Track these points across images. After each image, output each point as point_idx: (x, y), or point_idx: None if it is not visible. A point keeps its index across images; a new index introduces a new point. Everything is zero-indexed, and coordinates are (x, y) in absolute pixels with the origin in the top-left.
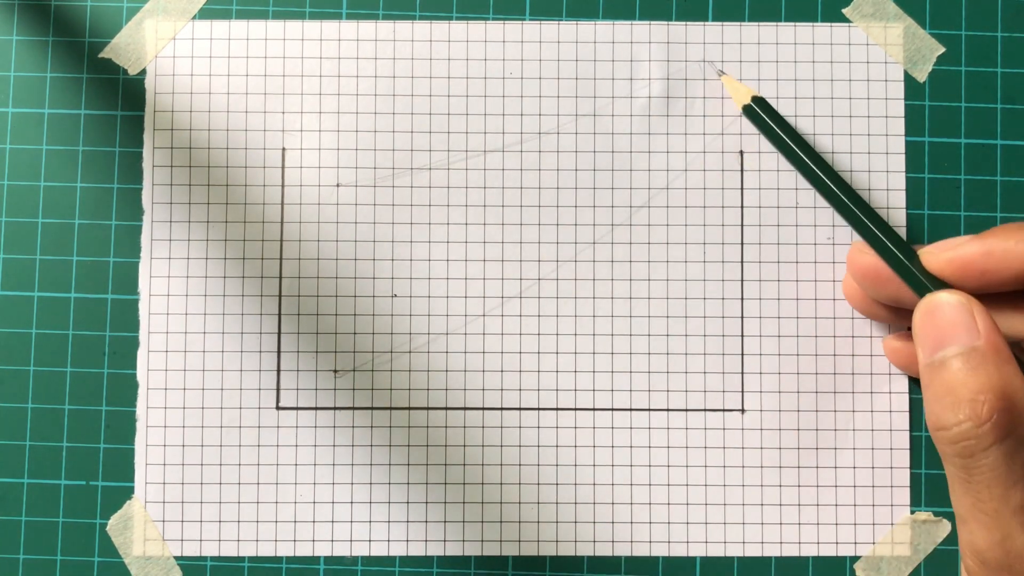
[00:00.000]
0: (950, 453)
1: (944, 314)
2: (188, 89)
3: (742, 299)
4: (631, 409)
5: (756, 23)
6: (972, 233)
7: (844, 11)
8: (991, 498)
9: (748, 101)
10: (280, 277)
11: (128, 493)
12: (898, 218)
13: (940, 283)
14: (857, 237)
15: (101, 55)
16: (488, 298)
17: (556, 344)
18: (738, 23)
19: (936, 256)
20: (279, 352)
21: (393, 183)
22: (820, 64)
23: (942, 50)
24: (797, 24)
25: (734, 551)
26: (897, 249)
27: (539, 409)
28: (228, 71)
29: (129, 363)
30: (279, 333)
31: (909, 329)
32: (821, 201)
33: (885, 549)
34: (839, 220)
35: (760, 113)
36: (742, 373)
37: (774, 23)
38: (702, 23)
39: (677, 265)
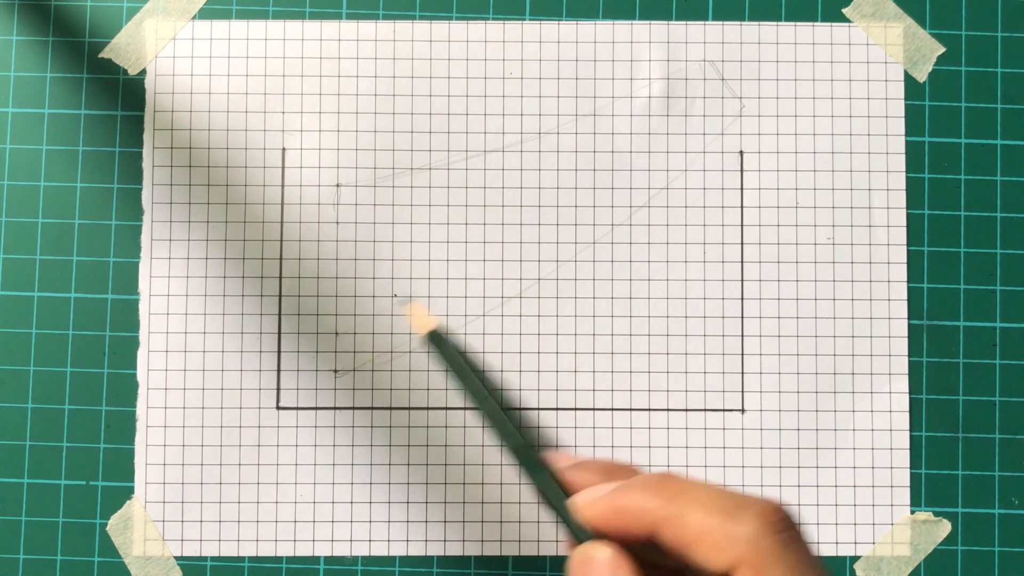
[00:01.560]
0: None
1: (592, 569)
2: (188, 89)
3: (742, 299)
4: (631, 409)
5: (756, 23)
6: (971, 233)
7: (844, 11)
8: None
9: (431, 329)
10: (280, 277)
11: (128, 493)
12: (898, 218)
13: (589, 533)
14: None
15: (101, 55)
16: (488, 298)
17: (556, 344)
18: (738, 23)
19: (581, 510)
20: (279, 352)
21: (393, 183)
22: (820, 64)
23: (942, 50)
24: (797, 24)
25: None
26: (554, 497)
27: (539, 409)
28: (228, 71)
29: (129, 363)
30: (279, 333)
31: None
32: (821, 201)
33: (885, 549)
34: (839, 220)
35: (438, 343)
36: (742, 373)
37: (774, 23)
38: (702, 23)
39: (677, 265)
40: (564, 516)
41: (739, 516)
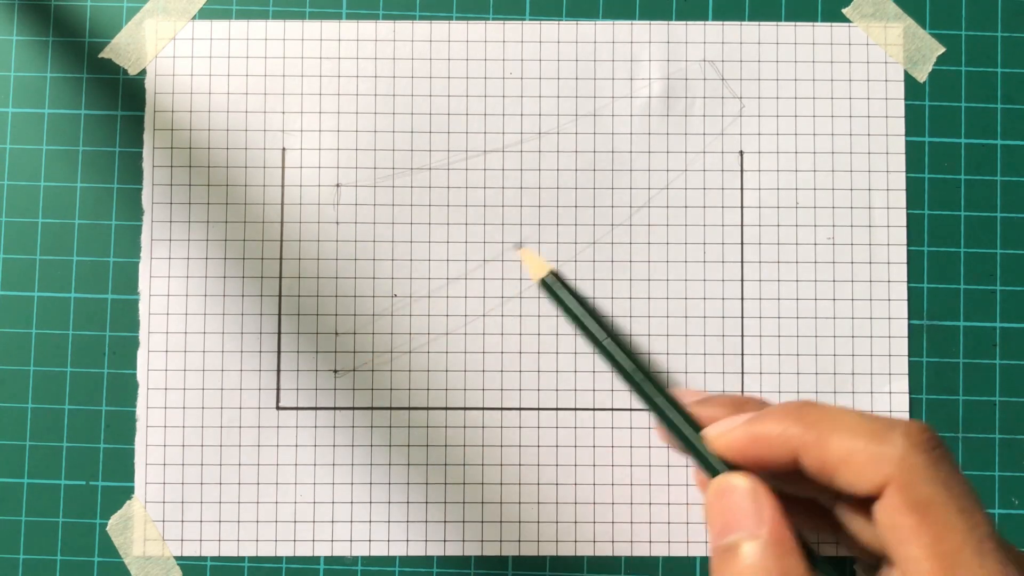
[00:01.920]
0: None
1: (731, 500)
2: (188, 89)
3: (742, 299)
4: (631, 409)
5: (756, 23)
6: (971, 233)
7: (844, 11)
8: None
9: (545, 275)
10: (280, 277)
11: (128, 493)
12: (898, 218)
13: (725, 464)
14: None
15: (101, 55)
16: (488, 298)
17: (556, 344)
18: (738, 23)
19: (715, 441)
20: (279, 352)
21: (393, 183)
22: (820, 64)
23: (942, 50)
24: (797, 24)
25: None
26: (686, 430)
27: (539, 409)
28: (228, 71)
29: (129, 363)
30: (279, 333)
31: None
32: (821, 201)
33: None
34: (839, 220)
35: (553, 288)
36: (742, 373)
37: (774, 23)
38: (702, 23)
39: (677, 265)
40: (697, 449)
41: (885, 437)
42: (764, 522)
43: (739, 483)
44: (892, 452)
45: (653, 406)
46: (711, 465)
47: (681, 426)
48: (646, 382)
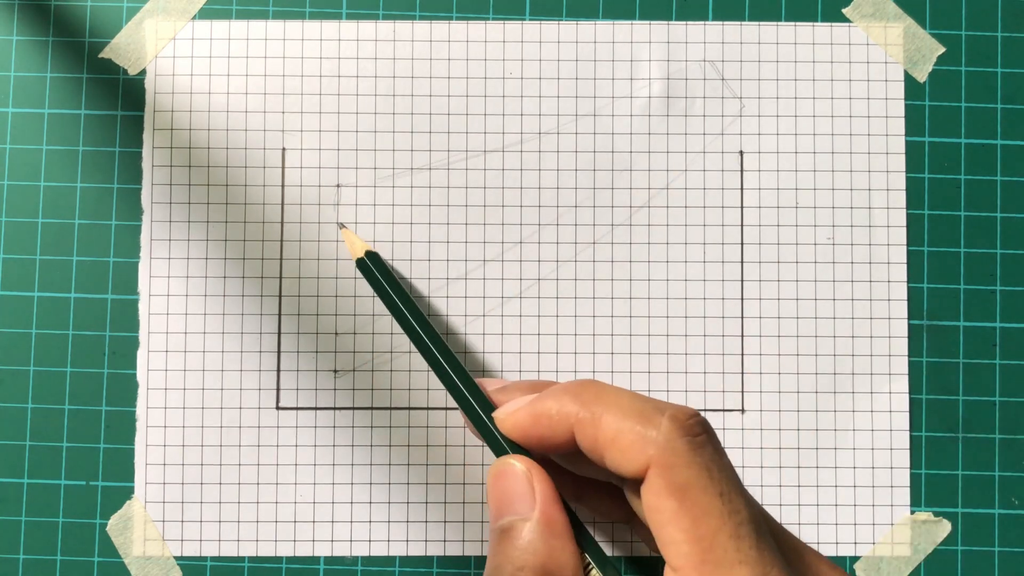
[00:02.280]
0: None
1: (507, 482)
2: (188, 89)
3: (742, 299)
4: None
5: (756, 23)
6: (971, 233)
7: (844, 11)
8: None
9: (362, 255)
10: (280, 277)
11: (128, 493)
12: (898, 218)
13: (516, 445)
14: None
15: (101, 55)
16: (488, 298)
17: (556, 344)
18: (738, 23)
19: (502, 421)
20: (279, 352)
21: (393, 183)
22: (820, 64)
23: (942, 50)
24: (797, 24)
25: None
26: (480, 412)
27: None
28: (228, 71)
29: (129, 363)
30: (279, 333)
31: None
32: (821, 201)
33: (885, 549)
34: (839, 220)
35: (371, 267)
36: (742, 373)
37: (774, 23)
38: (702, 23)
39: (677, 265)
40: (486, 431)
41: (652, 419)
42: (536, 504)
43: (515, 465)
44: (656, 435)
45: (453, 390)
46: (499, 447)
47: (473, 411)
48: (448, 367)
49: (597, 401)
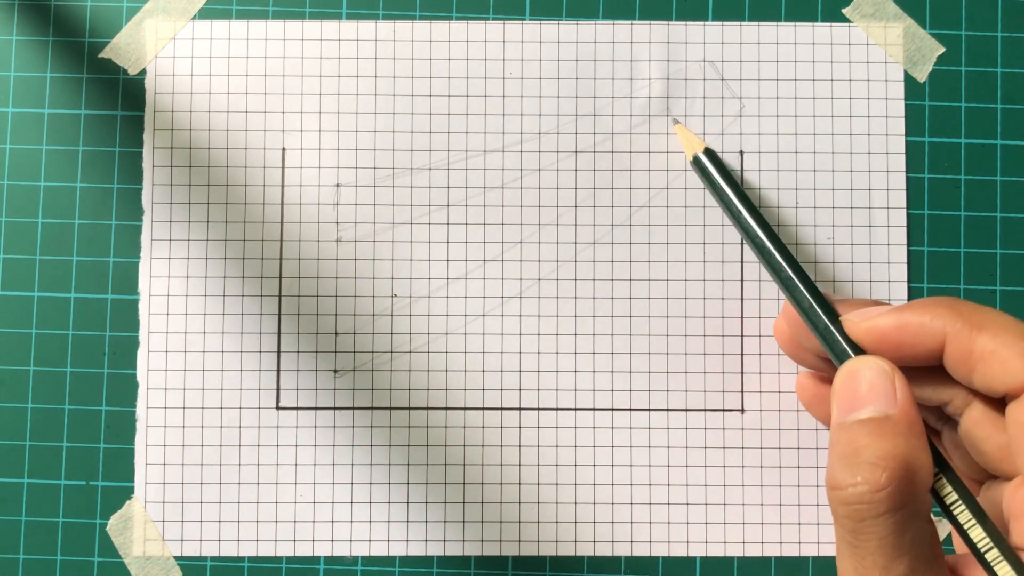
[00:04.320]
0: (841, 514)
1: (864, 378)
2: (188, 89)
3: (742, 299)
4: (631, 409)
5: (756, 23)
6: (971, 233)
7: (844, 11)
8: (873, 566)
9: (699, 152)
10: (280, 277)
11: (128, 493)
12: (898, 218)
13: (861, 351)
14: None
15: (101, 55)
16: (488, 298)
17: (556, 344)
18: (738, 23)
19: (856, 325)
20: (279, 352)
21: (393, 183)
22: (820, 64)
23: (942, 50)
24: (797, 24)
25: (734, 551)
26: (823, 313)
27: (539, 409)
28: (228, 71)
29: (129, 363)
30: (279, 333)
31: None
32: (821, 201)
33: None
34: (839, 220)
35: (708, 165)
36: (742, 373)
37: (774, 23)
38: (702, 23)
39: (677, 265)
40: (833, 333)
41: None
42: (897, 402)
43: (874, 363)
44: None
45: (791, 288)
46: (844, 349)
47: (819, 309)
48: (788, 268)
49: (975, 315)
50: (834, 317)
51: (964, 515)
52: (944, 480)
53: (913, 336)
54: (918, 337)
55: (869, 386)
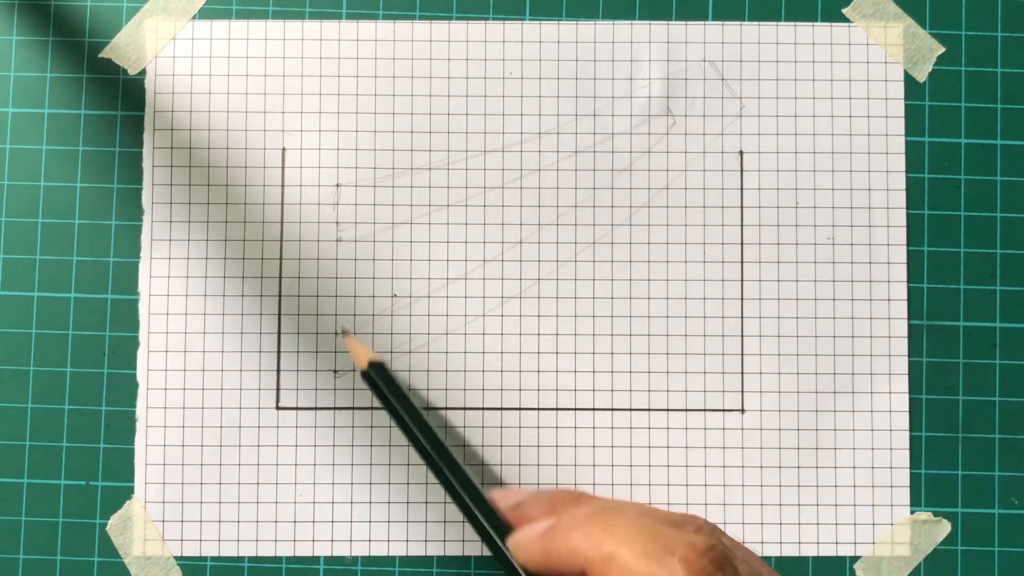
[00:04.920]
0: None
1: None
2: (188, 89)
3: (742, 299)
4: (631, 409)
5: (756, 23)
6: (971, 233)
7: (844, 11)
8: None
9: (365, 366)
10: (280, 277)
11: (128, 493)
12: (898, 218)
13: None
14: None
15: (101, 55)
16: (488, 298)
17: (556, 344)
18: (738, 23)
19: (516, 553)
20: (279, 352)
21: (393, 183)
22: (820, 64)
23: (942, 50)
24: (797, 24)
25: None
26: (495, 537)
27: (539, 409)
28: (228, 71)
29: (129, 363)
30: (279, 333)
31: None
32: (821, 201)
33: (885, 549)
34: (839, 220)
35: (375, 379)
36: (742, 373)
37: (774, 23)
38: (702, 23)
39: (677, 265)
40: (504, 560)
41: (664, 562)
42: None
43: None
44: None
45: (465, 509)
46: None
47: (490, 535)
48: (461, 489)
49: (607, 537)
50: (503, 536)
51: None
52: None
53: (561, 565)
54: (564, 566)
55: None
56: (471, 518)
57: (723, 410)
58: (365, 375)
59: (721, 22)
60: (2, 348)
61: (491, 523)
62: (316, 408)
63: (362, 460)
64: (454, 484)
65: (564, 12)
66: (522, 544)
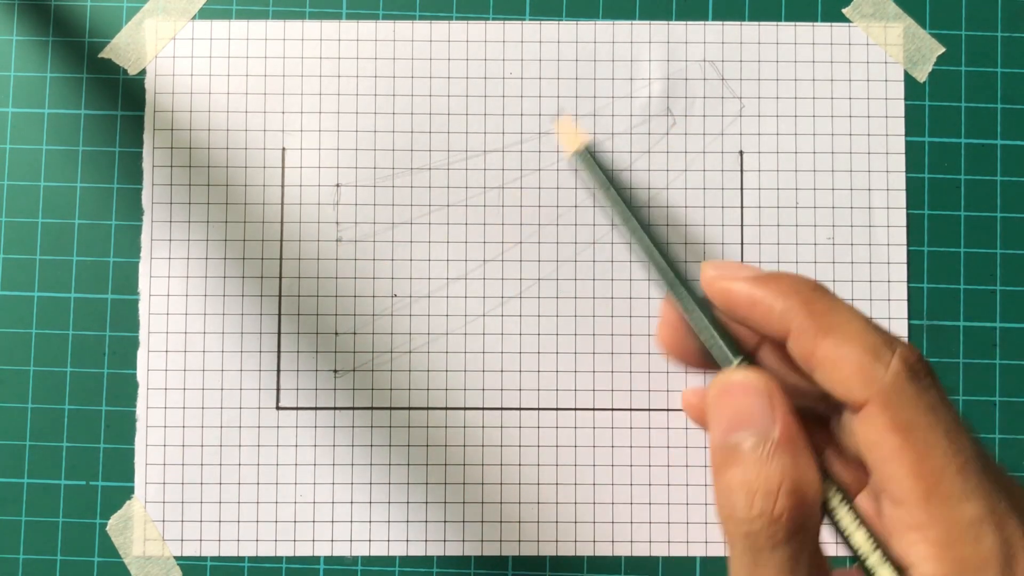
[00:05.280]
0: (739, 546)
1: (740, 396)
2: (188, 89)
3: None
4: (631, 409)
5: (756, 23)
6: (971, 233)
7: (844, 11)
8: None
9: (581, 148)
10: (280, 277)
11: (128, 493)
12: (898, 218)
13: (738, 353)
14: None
15: (101, 55)
16: (488, 298)
17: (556, 344)
18: (738, 23)
19: (711, 284)
20: (279, 352)
21: (393, 183)
22: (820, 64)
23: (942, 50)
24: (797, 24)
25: None
26: (702, 311)
27: (539, 409)
28: (228, 71)
29: (129, 363)
30: (279, 333)
31: None
32: (821, 201)
33: None
34: (839, 220)
35: (591, 158)
36: None
37: (774, 23)
38: (702, 23)
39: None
40: (707, 330)
41: (881, 355)
42: (776, 421)
43: (749, 379)
44: (883, 374)
45: (670, 284)
46: (723, 354)
47: (690, 303)
48: (664, 263)
49: (827, 314)
50: (710, 316)
51: (846, 520)
52: (831, 494)
53: (761, 316)
54: (765, 319)
55: (746, 405)
56: (678, 294)
57: None
58: (578, 156)
59: (721, 22)
60: (2, 348)
61: (691, 297)
62: (316, 408)
63: (362, 460)
64: (656, 263)
65: (564, 12)
66: (723, 275)
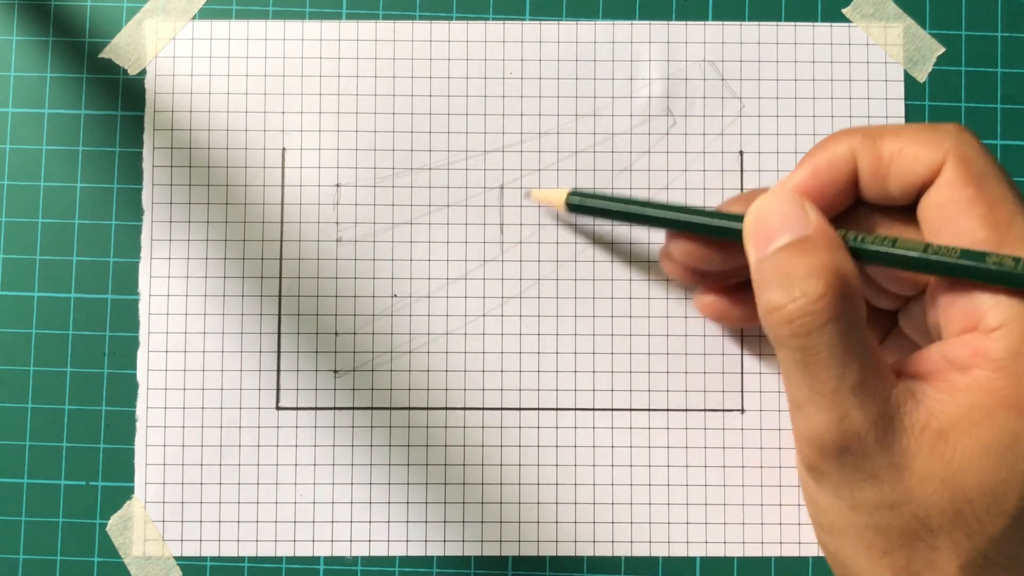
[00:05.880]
0: (786, 334)
1: (774, 210)
2: (188, 89)
3: None
4: (631, 409)
5: (756, 23)
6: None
7: (844, 11)
8: (829, 377)
9: (564, 199)
10: (280, 277)
11: (128, 493)
12: None
13: None
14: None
15: (101, 55)
16: (488, 298)
17: (556, 344)
18: (738, 23)
19: (781, 188)
20: (279, 352)
21: (393, 183)
22: (820, 64)
23: (942, 50)
24: (797, 24)
25: (734, 551)
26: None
27: (539, 409)
28: (228, 71)
29: (129, 363)
30: (279, 333)
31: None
32: None
33: None
34: None
35: (582, 195)
36: (742, 373)
37: (774, 23)
38: (702, 23)
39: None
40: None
41: (937, 128)
42: (810, 222)
43: (780, 194)
44: (946, 135)
45: (694, 213)
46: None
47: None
48: (705, 214)
49: (877, 127)
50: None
51: (887, 243)
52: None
53: (829, 176)
54: (833, 173)
55: (780, 216)
56: (711, 219)
57: (723, 410)
58: (569, 207)
59: (721, 22)
60: (2, 348)
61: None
62: (316, 408)
63: (362, 460)
64: (693, 214)
65: (564, 12)
66: (780, 183)
